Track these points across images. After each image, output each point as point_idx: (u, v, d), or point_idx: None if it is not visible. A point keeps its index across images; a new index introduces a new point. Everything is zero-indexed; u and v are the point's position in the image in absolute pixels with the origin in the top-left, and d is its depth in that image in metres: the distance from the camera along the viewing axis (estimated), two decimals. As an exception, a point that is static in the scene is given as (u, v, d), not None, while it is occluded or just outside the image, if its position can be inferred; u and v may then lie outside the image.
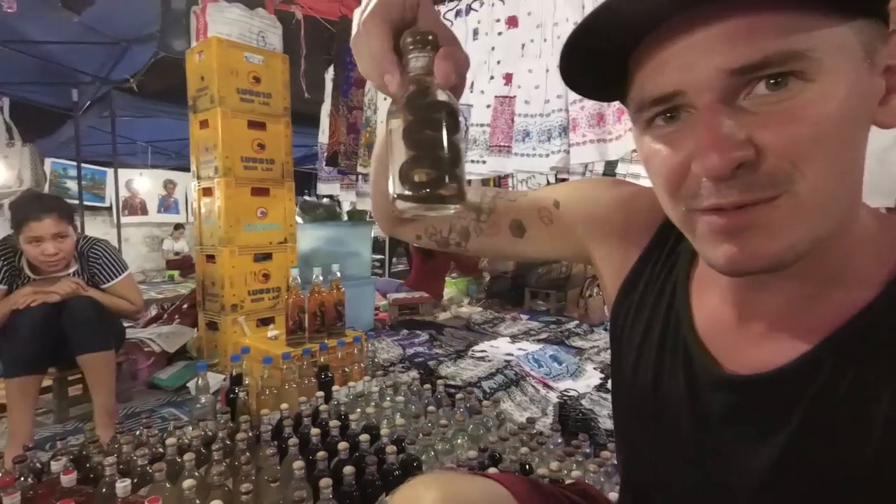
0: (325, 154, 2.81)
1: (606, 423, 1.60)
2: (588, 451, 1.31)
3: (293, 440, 1.23)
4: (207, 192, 2.44)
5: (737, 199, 0.37)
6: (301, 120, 3.14)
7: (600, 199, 0.65)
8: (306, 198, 3.09)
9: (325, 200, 3.01)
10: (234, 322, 2.34)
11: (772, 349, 0.46)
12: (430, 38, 0.43)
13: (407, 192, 0.42)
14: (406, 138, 0.41)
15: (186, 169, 8.02)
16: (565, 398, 1.77)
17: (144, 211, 7.97)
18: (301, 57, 2.74)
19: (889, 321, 0.40)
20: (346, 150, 2.70)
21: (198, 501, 1.05)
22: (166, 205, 8.17)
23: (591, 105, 2.14)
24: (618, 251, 0.62)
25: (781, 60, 0.35)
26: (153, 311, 3.10)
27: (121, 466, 1.18)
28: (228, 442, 1.31)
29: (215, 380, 1.99)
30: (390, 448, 1.20)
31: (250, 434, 1.33)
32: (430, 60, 0.43)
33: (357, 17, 0.46)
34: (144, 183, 7.81)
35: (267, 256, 2.48)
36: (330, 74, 2.78)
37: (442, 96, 0.42)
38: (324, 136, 2.88)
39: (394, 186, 0.43)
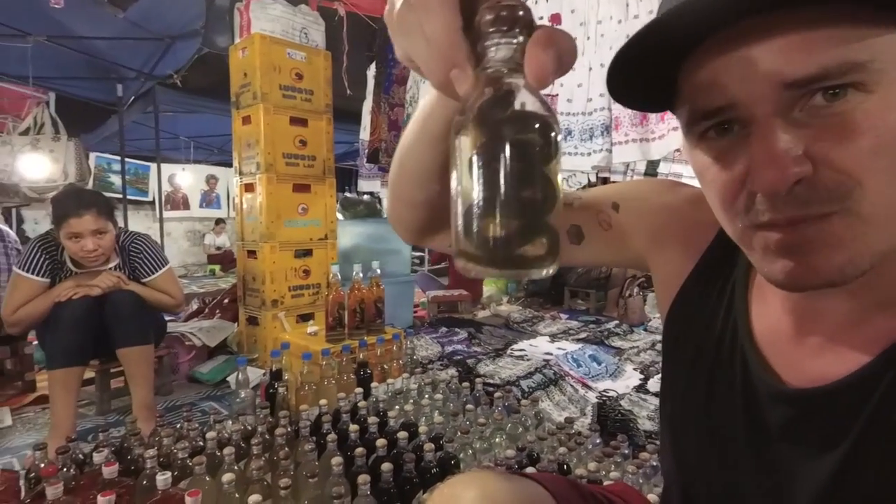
0: (367, 151, 2.81)
1: (646, 425, 1.56)
2: (627, 452, 1.29)
3: (332, 436, 1.23)
4: (249, 187, 2.48)
5: (793, 214, 0.36)
6: (342, 116, 3.17)
7: (662, 202, 0.62)
8: (347, 195, 3.12)
9: (365, 197, 3.02)
10: (274, 317, 2.37)
11: (831, 361, 0.45)
12: (521, 14, 0.29)
13: (476, 251, 0.29)
14: (479, 169, 0.29)
15: (228, 164, 8.24)
16: (604, 398, 1.74)
17: (186, 206, 8.22)
18: (343, 54, 2.75)
19: None
20: (387, 147, 2.71)
21: (237, 495, 1.05)
22: (208, 200, 8.42)
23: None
24: (677, 258, 0.60)
25: (840, 72, 0.33)
26: (194, 306, 3.18)
27: (161, 459, 1.19)
28: (267, 437, 1.32)
29: (255, 374, 2.01)
30: (428, 446, 1.19)
31: (289, 429, 1.33)
32: (518, 50, 0.30)
33: None
34: (187, 178, 8.05)
35: (307, 252, 2.50)
36: (372, 71, 2.79)
37: (534, 105, 0.29)
38: (365, 133, 2.89)
39: (457, 237, 0.30)
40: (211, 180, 8.34)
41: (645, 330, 2.85)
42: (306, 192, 2.49)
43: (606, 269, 3.32)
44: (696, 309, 0.57)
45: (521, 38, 0.30)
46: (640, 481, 1.13)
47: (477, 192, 0.29)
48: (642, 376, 2.03)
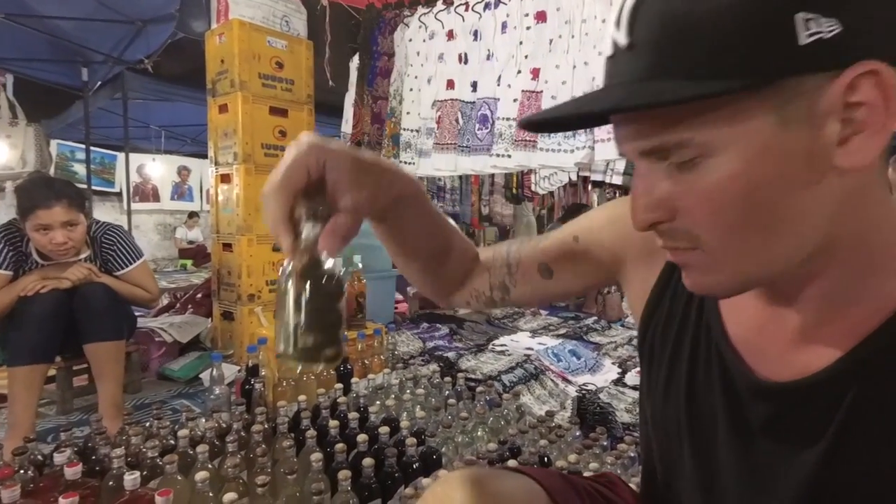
0: (348, 144, 2.77)
1: (624, 417, 1.61)
2: (606, 443, 1.32)
3: (311, 432, 1.20)
4: (226, 178, 2.41)
5: (665, 244, 0.45)
6: (322, 109, 3.11)
7: (618, 222, 0.66)
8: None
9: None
10: (250, 312, 2.31)
11: (807, 355, 0.46)
12: (320, 210, 0.48)
13: (292, 353, 0.47)
14: (297, 305, 0.46)
15: (202, 155, 8.02)
16: (584, 392, 1.77)
17: (157, 197, 7.97)
18: (326, 44, 2.70)
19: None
20: (369, 141, 2.67)
21: (211, 494, 1.01)
22: (180, 192, 8.18)
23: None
24: (643, 268, 0.63)
25: (674, 147, 0.40)
26: (165, 301, 3.08)
27: (129, 459, 1.14)
28: (243, 434, 1.28)
29: (230, 371, 1.95)
30: (410, 440, 1.18)
31: (266, 426, 1.29)
32: (319, 232, 0.48)
33: (271, 176, 0.49)
34: (157, 168, 7.80)
35: (285, 247, 2.44)
36: (355, 63, 2.74)
37: (328, 265, 0.48)
38: (347, 126, 2.84)
39: (282, 344, 0.47)
40: (183, 171, 8.10)
41: (622, 326, 2.91)
42: (285, 185, 2.43)
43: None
44: (668, 314, 0.60)
45: (321, 225, 0.48)
46: (619, 471, 1.16)
47: (296, 318, 0.46)
48: (620, 370, 2.07)
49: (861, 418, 0.42)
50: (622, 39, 0.40)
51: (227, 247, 2.41)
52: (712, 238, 0.42)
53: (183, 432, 1.20)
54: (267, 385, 1.59)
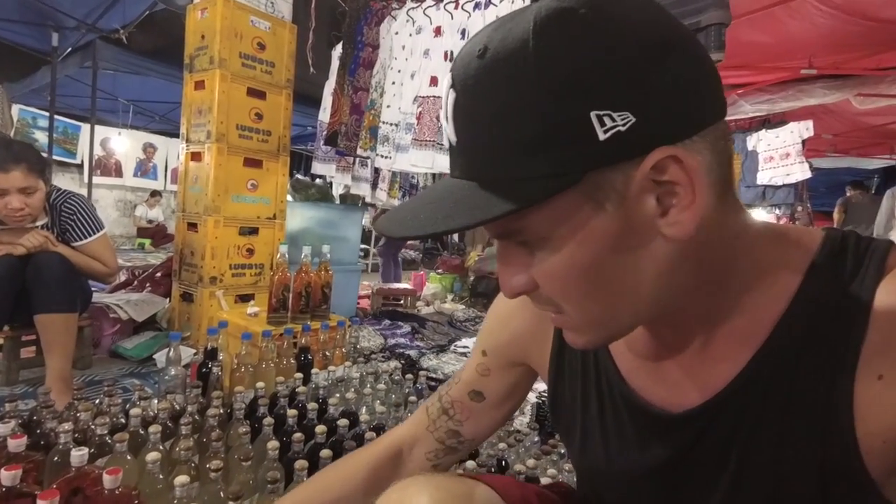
0: (325, 133, 2.73)
1: None
2: (563, 451, 1.31)
3: (268, 420, 1.17)
4: (196, 156, 2.34)
5: (539, 306, 0.47)
6: (299, 99, 3.05)
7: (507, 314, 0.70)
8: (299, 176, 3.00)
9: (318, 181, 2.93)
10: (211, 295, 2.25)
11: (703, 380, 0.49)
12: None
13: None
14: None
15: (170, 134, 7.76)
16: (543, 398, 1.77)
17: (119, 173, 7.67)
18: (310, 30, 2.66)
19: (805, 328, 0.44)
20: (347, 131, 2.63)
21: (161, 476, 0.98)
22: (144, 169, 7.88)
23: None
24: (542, 345, 0.65)
25: (513, 233, 0.43)
26: (123, 277, 2.96)
27: (77, 435, 1.09)
28: (198, 417, 1.24)
29: (186, 353, 1.90)
30: (369, 434, 1.17)
31: (222, 411, 1.26)
32: None
33: None
34: (122, 143, 7.50)
35: (253, 231, 2.39)
36: (338, 52, 2.71)
37: None
38: (324, 114, 2.80)
39: None
40: (149, 149, 7.81)
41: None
42: (258, 168, 2.38)
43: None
44: (569, 375, 0.62)
45: None
46: (575, 479, 1.16)
47: None
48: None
49: (763, 421, 0.45)
50: (451, 135, 0.43)
51: (193, 226, 2.34)
52: (569, 307, 0.45)
53: (135, 411, 1.15)
54: (224, 370, 1.55)
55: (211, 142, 2.24)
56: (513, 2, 2.27)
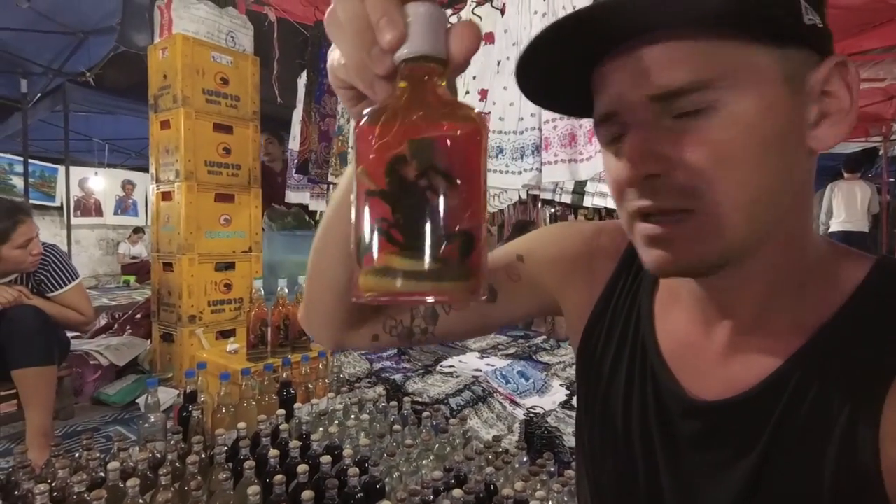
0: (296, 161, 2.73)
1: (570, 441, 1.58)
2: (553, 469, 1.31)
3: (249, 463, 1.15)
4: (167, 196, 2.33)
5: (650, 204, 0.41)
6: (272, 126, 3.05)
7: (564, 240, 0.66)
8: (275, 205, 2.99)
9: (294, 209, 2.92)
10: (191, 334, 2.23)
11: (736, 371, 0.48)
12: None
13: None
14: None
15: (147, 169, 7.75)
16: (531, 415, 1.75)
17: (99, 212, 7.61)
18: (274, 60, 2.67)
19: (846, 339, 0.43)
20: (317, 159, 2.63)
21: (141, 532, 0.97)
22: (124, 206, 7.84)
23: (563, 125, 2.16)
24: (583, 291, 0.62)
25: (692, 89, 0.39)
26: (103, 321, 2.92)
27: (55, 494, 1.07)
28: (178, 465, 1.22)
29: (168, 396, 1.88)
30: (352, 470, 1.14)
31: (203, 456, 1.24)
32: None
33: None
34: (100, 182, 7.47)
35: (230, 265, 2.37)
36: (303, 80, 2.72)
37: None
38: (294, 143, 2.80)
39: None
40: (127, 186, 7.78)
41: (570, 345, 2.93)
42: (229, 202, 2.37)
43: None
44: (608, 331, 0.59)
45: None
46: (566, 499, 1.15)
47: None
48: (568, 392, 2.06)
49: (787, 433, 0.44)
50: None
51: (168, 266, 2.32)
52: (716, 189, 0.40)
53: (113, 465, 1.13)
54: (206, 411, 1.53)
55: (180, 180, 2.24)
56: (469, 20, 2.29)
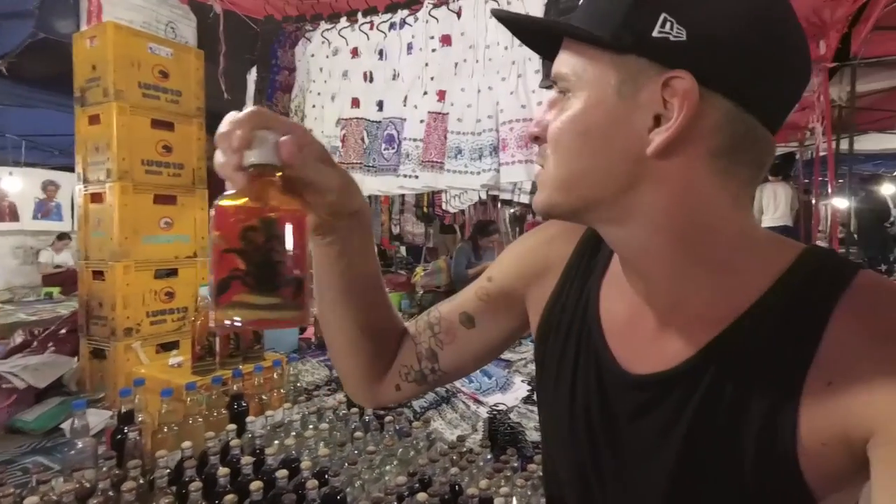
0: (244, 161, 2.59)
1: (533, 436, 1.62)
2: (516, 464, 1.32)
3: (195, 484, 1.06)
4: (97, 197, 2.13)
5: (537, 159, 0.54)
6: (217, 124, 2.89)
7: (525, 248, 0.73)
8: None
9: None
10: (127, 349, 2.04)
11: (666, 348, 0.53)
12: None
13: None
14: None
15: (73, 169, 7.16)
16: (495, 412, 1.75)
17: (15, 217, 6.96)
18: (220, 54, 2.52)
19: (769, 324, 0.48)
20: (268, 158, 2.52)
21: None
22: (45, 210, 7.20)
23: (520, 127, 2.18)
24: (543, 284, 0.68)
25: (559, 78, 0.51)
26: (19, 339, 2.63)
27: (-37, 538, 0.93)
28: (112, 493, 1.10)
29: (100, 418, 1.70)
30: (311, 483, 1.08)
31: (142, 481, 1.13)
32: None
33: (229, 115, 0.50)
34: (15, 183, 6.81)
35: (172, 272, 2.20)
36: (253, 76, 2.59)
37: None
38: (243, 142, 2.66)
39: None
40: (49, 187, 7.15)
41: (531, 342, 2.97)
42: (171, 205, 2.20)
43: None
44: (559, 321, 0.65)
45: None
46: (529, 493, 1.17)
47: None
48: (530, 388, 2.09)
49: (711, 411, 0.49)
50: None
51: (99, 275, 2.12)
52: (551, 159, 0.51)
53: (31, 500, 1.01)
54: (144, 432, 1.39)
55: (112, 180, 2.05)
56: (426, 22, 2.28)
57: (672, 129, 0.45)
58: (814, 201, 6.27)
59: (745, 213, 0.51)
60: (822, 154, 5.13)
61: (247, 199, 0.45)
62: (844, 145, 4.57)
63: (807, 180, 7.28)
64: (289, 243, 0.44)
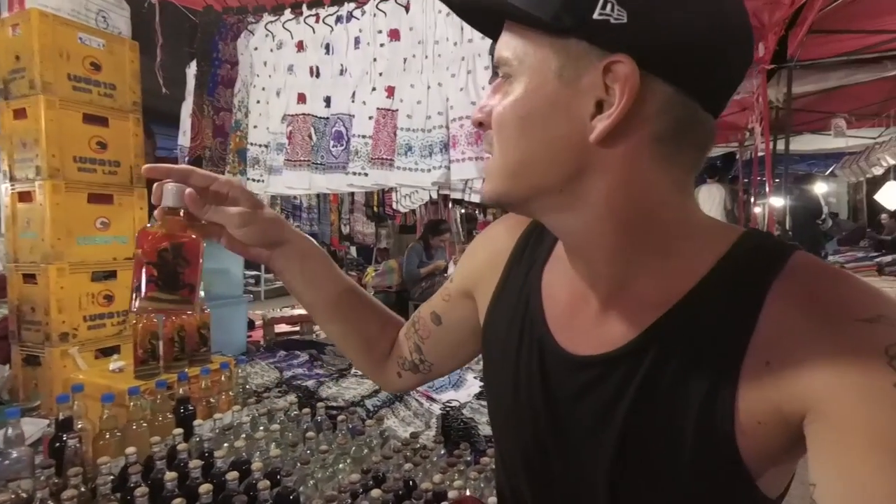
0: (187, 158, 2.49)
1: (486, 430, 1.66)
2: (469, 458, 1.35)
3: (141, 490, 1.04)
4: (25, 196, 2.01)
5: (484, 146, 0.54)
6: (160, 120, 2.76)
7: (476, 246, 0.76)
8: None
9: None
10: (63, 354, 1.94)
11: (608, 331, 0.54)
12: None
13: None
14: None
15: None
16: (448, 409, 1.78)
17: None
18: (157, 47, 2.41)
19: (708, 306, 0.48)
20: (211, 155, 2.42)
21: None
22: (-34, 212, 6.65)
23: (469, 124, 2.19)
24: (491, 278, 0.70)
25: (498, 61, 0.51)
26: (-58, 346, 2.45)
27: None
28: (51, 503, 1.06)
29: (36, 427, 1.62)
30: (263, 483, 1.07)
31: (83, 489, 1.10)
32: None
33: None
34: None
35: (110, 275, 2.10)
36: (192, 70, 2.49)
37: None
38: (185, 139, 2.54)
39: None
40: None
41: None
42: (107, 204, 2.10)
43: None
44: (503, 311, 0.66)
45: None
46: (482, 486, 1.19)
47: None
48: (482, 384, 2.12)
49: (653, 384, 0.49)
50: None
51: (30, 278, 2.00)
52: (496, 147, 0.51)
53: None
54: (85, 440, 1.34)
55: (42, 178, 1.94)
56: (374, 15, 2.26)
57: (613, 115, 0.45)
58: (752, 199, 6.58)
59: (687, 198, 0.52)
60: (760, 154, 5.36)
61: (162, 228, 0.66)
62: (781, 146, 4.70)
63: (746, 180, 7.67)
64: (186, 260, 0.67)
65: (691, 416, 0.47)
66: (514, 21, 0.49)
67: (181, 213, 0.66)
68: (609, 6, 0.42)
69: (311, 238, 0.78)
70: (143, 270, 0.64)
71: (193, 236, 0.67)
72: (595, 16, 0.43)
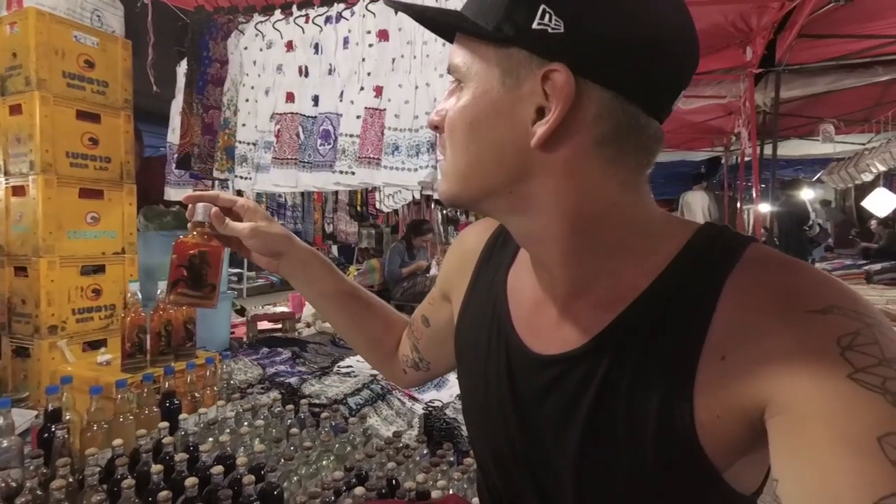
0: (176, 155, 2.51)
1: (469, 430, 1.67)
2: (452, 459, 1.36)
3: (128, 482, 1.08)
4: (19, 191, 2.04)
5: (440, 148, 0.56)
6: (150, 119, 2.78)
7: (452, 252, 0.79)
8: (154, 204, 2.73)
9: (174, 207, 2.68)
10: (52, 347, 1.98)
11: (570, 331, 0.54)
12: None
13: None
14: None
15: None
16: (430, 409, 1.80)
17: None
18: (149, 45, 2.43)
19: (665, 302, 0.49)
20: (200, 153, 2.45)
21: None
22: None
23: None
24: (462, 283, 0.72)
25: (450, 68, 0.53)
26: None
27: None
28: (40, 493, 1.10)
29: (24, 418, 1.66)
30: (247, 478, 1.11)
31: (71, 480, 1.13)
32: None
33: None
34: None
35: (99, 269, 2.14)
36: (183, 68, 2.51)
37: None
38: (174, 136, 2.57)
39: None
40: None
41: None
42: (98, 199, 2.13)
43: (430, 283, 3.49)
44: (472, 314, 0.68)
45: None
46: (465, 486, 1.20)
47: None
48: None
49: (614, 382, 0.50)
50: None
51: (21, 270, 2.04)
52: (448, 151, 0.54)
53: None
54: (73, 431, 1.39)
55: (35, 173, 1.97)
56: (363, 16, 2.28)
57: (550, 122, 0.46)
58: (739, 205, 6.53)
59: (638, 196, 0.52)
60: (746, 159, 5.32)
61: (193, 238, 0.81)
62: (768, 150, 4.65)
63: (732, 185, 7.66)
64: (209, 264, 0.82)
65: (652, 413, 0.47)
66: (461, 32, 0.52)
67: (206, 227, 0.80)
68: (547, 16, 0.44)
69: (317, 252, 0.87)
70: (178, 271, 0.80)
71: (215, 244, 0.81)
72: (534, 26, 0.45)
